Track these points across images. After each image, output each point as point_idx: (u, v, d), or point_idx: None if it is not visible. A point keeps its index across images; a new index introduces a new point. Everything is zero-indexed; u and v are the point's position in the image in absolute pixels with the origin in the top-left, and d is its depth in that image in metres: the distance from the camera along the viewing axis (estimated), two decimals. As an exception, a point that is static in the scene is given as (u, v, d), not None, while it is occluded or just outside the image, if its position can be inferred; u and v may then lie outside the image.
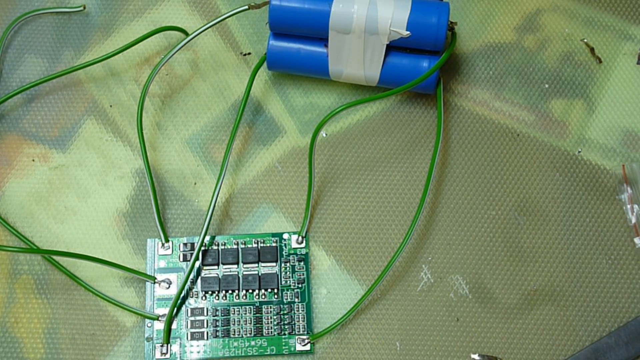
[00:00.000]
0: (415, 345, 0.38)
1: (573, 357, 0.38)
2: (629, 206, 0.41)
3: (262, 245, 0.40)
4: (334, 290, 0.40)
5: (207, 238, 0.40)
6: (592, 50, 0.44)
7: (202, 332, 0.38)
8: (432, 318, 0.39)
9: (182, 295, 0.39)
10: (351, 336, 0.39)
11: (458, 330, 0.39)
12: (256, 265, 0.39)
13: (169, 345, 0.38)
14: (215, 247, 0.40)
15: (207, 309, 0.39)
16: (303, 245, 0.40)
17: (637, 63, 0.44)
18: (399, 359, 0.38)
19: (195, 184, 0.42)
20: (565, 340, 0.38)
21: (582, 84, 0.43)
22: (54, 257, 0.40)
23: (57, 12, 0.45)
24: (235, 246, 0.40)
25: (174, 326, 0.38)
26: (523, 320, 0.39)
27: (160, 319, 0.38)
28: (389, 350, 0.38)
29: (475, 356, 0.38)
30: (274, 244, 0.40)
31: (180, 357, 0.38)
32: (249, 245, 0.40)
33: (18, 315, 0.39)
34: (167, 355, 0.38)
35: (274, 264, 0.39)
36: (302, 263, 0.39)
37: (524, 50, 0.44)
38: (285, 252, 0.40)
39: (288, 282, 0.39)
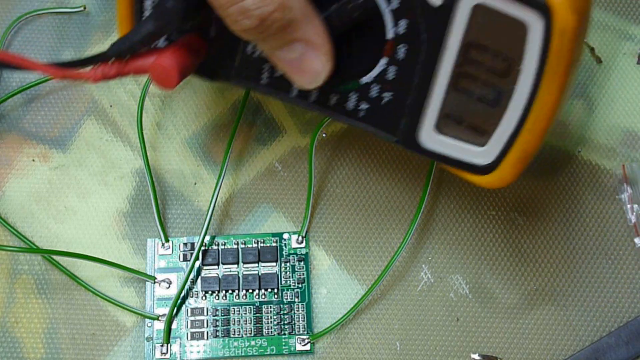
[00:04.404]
0: (415, 345, 0.38)
1: (573, 357, 0.38)
2: (629, 206, 0.41)
3: (262, 245, 0.40)
4: (334, 290, 0.40)
5: (207, 238, 0.40)
6: (592, 50, 0.44)
7: (202, 332, 0.38)
8: (432, 318, 0.39)
9: (182, 295, 0.39)
10: (351, 336, 0.39)
11: (458, 330, 0.39)
12: (256, 265, 0.39)
13: (169, 345, 0.38)
14: (215, 247, 0.40)
15: (207, 308, 0.39)
16: (303, 245, 0.40)
17: (637, 63, 0.44)
18: (399, 359, 0.38)
19: (195, 184, 0.42)
20: (565, 340, 0.38)
21: (582, 84, 0.43)
22: (54, 257, 0.40)
23: (57, 12, 0.45)
24: (235, 246, 0.40)
25: (174, 326, 0.38)
26: (523, 320, 0.39)
27: (160, 318, 0.38)
28: (389, 350, 0.38)
29: (475, 356, 0.38)
30: (274, 244, 0.40)
31: (180, 357, 0.38)
32: (249, 245, 0.40)
33: (18, 315, 0.39)
34: (167, 355, 0.38)
35: (274, 263, 0.39)
36: (302, 263, 0.39)
37: (524, 50, 0.44)
38: (285, 252, 0.40)
39: (288, 282, 0.39)
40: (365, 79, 0.32)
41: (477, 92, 0.31)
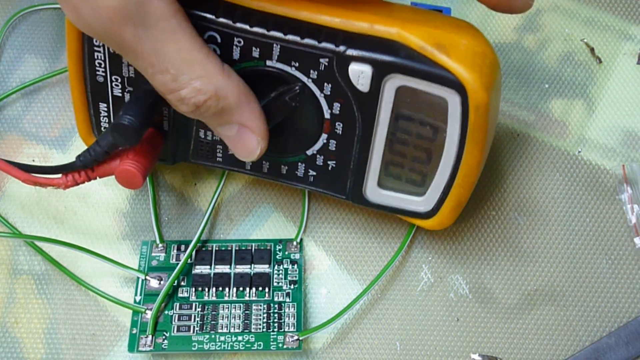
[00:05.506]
0: (415, 345, 0.38)
1: (573, 357, 0.38)
2: (629, 206, 0.41)
3: (255, 248, 0.40)
4: (334, 290, 0.39)
5: (203, 240, 0.40)
6: (592, 50, 0.44)
7: (189, 326, 0.38)
8: (432, 318, 0.39)
9: (171, 289, 0.38)
10: (351, 336, 0.39)
11: (458, 330, 0.39)
12: (249, 266, 0.39)
13: (154, 336, 0.37)
14: (209, 249, 0.39)
15: (195, 304, 0.38)
16: (298, 249, 0.40)
17: (637, 63, 0.44)
18: (399, 359, 0.38)
19: (195, 184, 0.42)
20: (565, 340, 0.38)
21: (582, 84, 0.44)
22: (54, 257, 0.39)
23: (54, 7, 0.45)
24: (229, 249, 0.39)
25: (160, 319, 0.38)
26: (523, 320, 0.39)
27: (147, 311, 0.38)
28: (389, 350, 0.38)
29: (475, 356, 0.38)
30: (268, 248, 0.40)
31: (165, 349, 0.37)
32: (243, 248, 0.40)
33: (18, 315, 0.39)
34: (152, 347, 0.37)
35: (267, 265, 0.39)
36: (295, 266, 0.39)
37: (524, 50, 0.44)
38: (279, 256, 0.39)
39: (280, 283, 0.39)
40: (310, 151, 0.36)
41: (410, 154, 0.35)
